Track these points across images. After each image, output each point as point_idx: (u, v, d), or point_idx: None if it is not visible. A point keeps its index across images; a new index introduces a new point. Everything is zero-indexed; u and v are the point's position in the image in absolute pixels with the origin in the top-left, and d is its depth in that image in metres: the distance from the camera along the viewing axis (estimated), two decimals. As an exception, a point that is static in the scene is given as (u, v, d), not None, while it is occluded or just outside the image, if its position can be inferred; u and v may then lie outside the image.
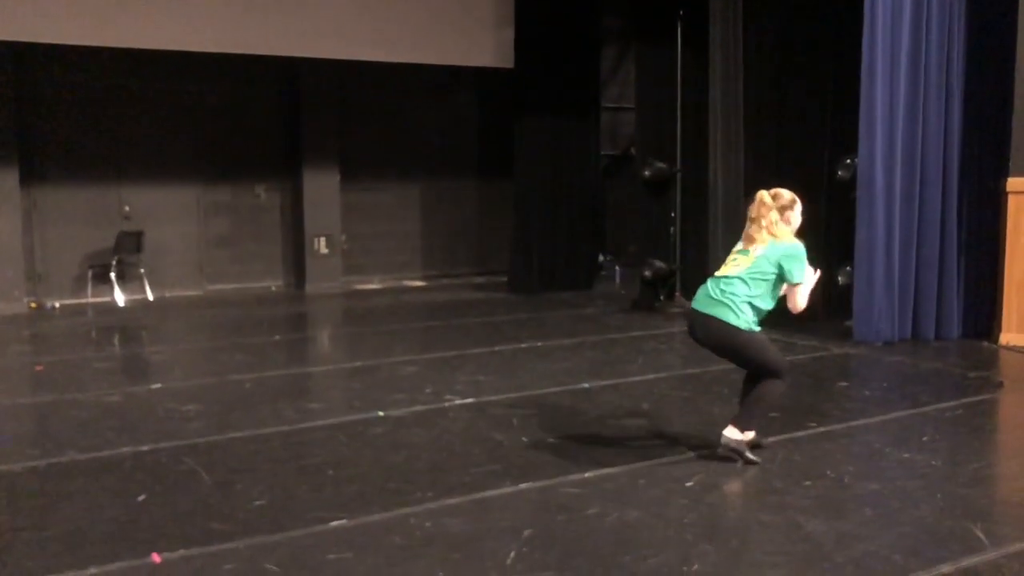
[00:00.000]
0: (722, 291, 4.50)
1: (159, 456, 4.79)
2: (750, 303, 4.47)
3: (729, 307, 4.46)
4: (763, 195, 4.60)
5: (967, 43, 7.71)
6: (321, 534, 3.77)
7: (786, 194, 4.61)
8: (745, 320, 4.47)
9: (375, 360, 7.29)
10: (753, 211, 4.59)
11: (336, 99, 11.76)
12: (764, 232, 4.52)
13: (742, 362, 4.67)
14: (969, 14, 7.69)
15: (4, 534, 3.79)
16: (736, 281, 4.49)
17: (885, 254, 7.57)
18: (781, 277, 4.50)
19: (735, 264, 4.56)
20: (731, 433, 4.54)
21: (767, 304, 4.54)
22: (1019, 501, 4.16)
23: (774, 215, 4.53)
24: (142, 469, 4.60)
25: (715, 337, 4.54)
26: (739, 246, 4.66)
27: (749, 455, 4.53)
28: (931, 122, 7.65)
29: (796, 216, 4.61)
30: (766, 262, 4.48)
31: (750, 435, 4.62)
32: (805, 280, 4.51)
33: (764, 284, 4.49)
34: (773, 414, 5.47)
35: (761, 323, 4.58)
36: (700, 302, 4.59)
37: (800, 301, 4.53)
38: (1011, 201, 7.41)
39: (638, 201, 10.52)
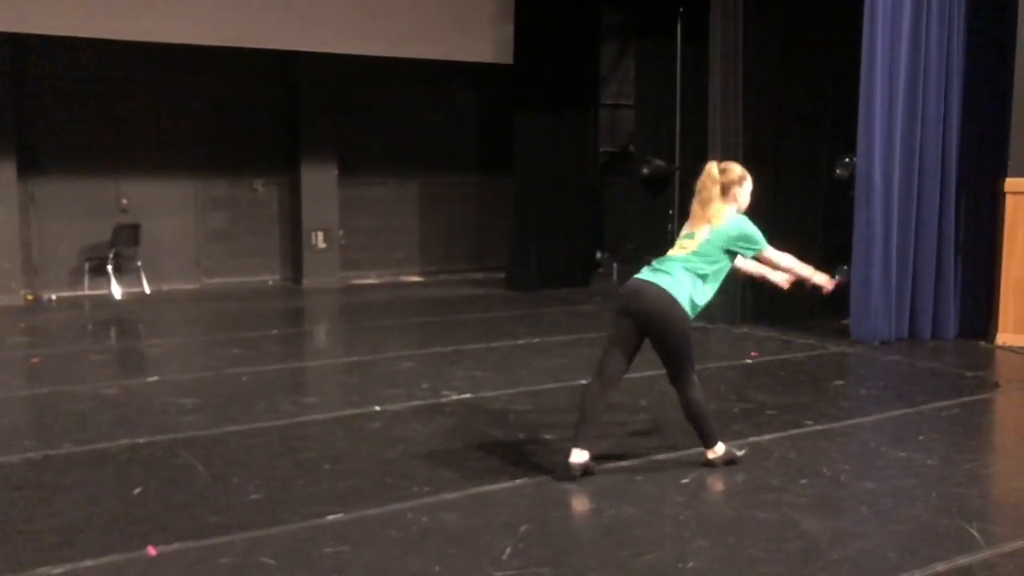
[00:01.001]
0: (666, 267, 4.32)
1: (155, 449, 4.79)
2: (692, 283, 4.26)
3: (671, 276, 4.26)
4: (710, 168, 4.42)
5: (966, 43, 7.72)
6: (317, 528, 3.77)
7: (735, 169, 4.43)
8: (686, 294, 4.24)
9: (372, 355, 7.29)
10: (698, 184, 4.41)
11: (334, 93, 11.74)
12: (707, 210, 4.34)
13: (665, 345, 4.29)
14: (968, 14, 7.69)
15: (-1, 526, 3.79)
16: (678, 262, 4.31)
17: (883, 253, 7.58)
18: (733, 254, 4.37)
19: (680, 248, 4.39)
20: (711, 455, 4.46)
21: (710, 287, 4.33)
22: (1014, 501, 4.17)
23: (716, 191, 4.34)
24: (138, 462, 4.60)
25: (649, 306, 4.22)
26: (686, 228, 4.47)
27: (735, 452, 4.51)
28: (929, 121, 7.66)
29: (744, 194, 4.41)
30: (711, 247, 4.31)
31: (721, 447, 4.47)
32: (765, 246, 4.36)
33: (709, 266, 4.30)
34: (770, 412, 5.50)
35: (696, 316, 4.36)
36: (640, 274, 4.38)
37: (779, 260, 4.44)
38: (1008, 201, 7.42)
39: (636, 198, 10.53)
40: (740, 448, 4.58)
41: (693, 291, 4.28)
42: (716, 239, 4.32)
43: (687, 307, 4.27)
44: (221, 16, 9.76)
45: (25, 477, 4.43)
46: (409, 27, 10.69)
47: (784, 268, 4.53)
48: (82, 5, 9.20)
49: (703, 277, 4.31)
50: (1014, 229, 7.41)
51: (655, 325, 4.26)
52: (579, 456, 4.30)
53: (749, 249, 4.39)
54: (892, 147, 7.54)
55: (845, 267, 8.07)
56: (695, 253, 4.32)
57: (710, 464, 4.46)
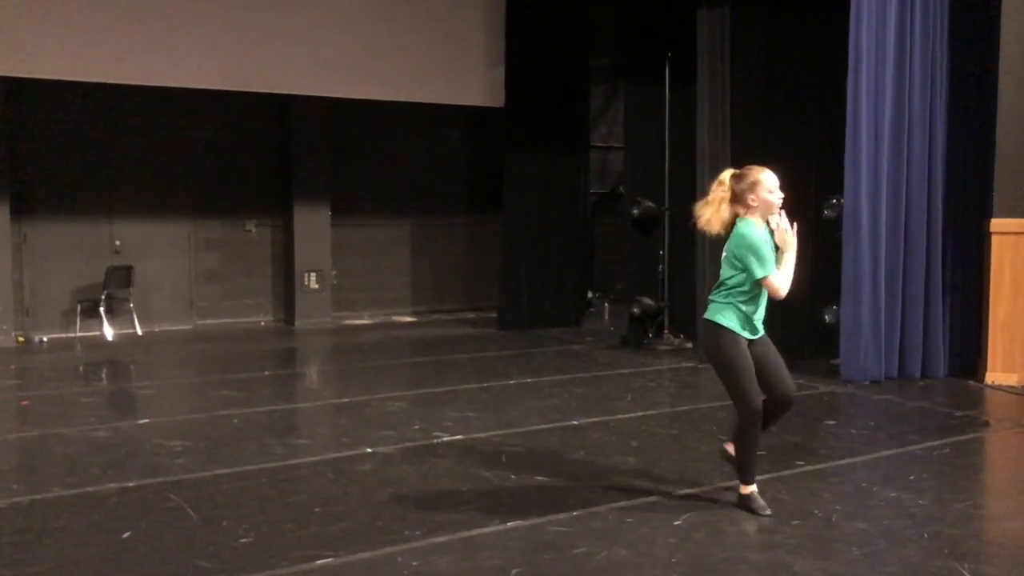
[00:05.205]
0: (714, 294, 4.40)
1: (145, 492, 4.77)
2: (732, 304, 4.29)
3: (717, 304, 4.34)
4: (723, 174, 4.39)
5: (950, 85, 7.87)
6: (307, 572, 3.74)
7: (750, 173, 4.33)
8: (727, 317, 4.29)
9: (364, 396, 7.28)
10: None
11: (327, 135, 11.85)
12: (704, 213, 4.32)
13: (720, 379, 4.41)
14: (952, 58, 7.84)
15: (-13, 571, 3.76)
16: (720, 286, 4.37)
17: (871, 293, 7.63)
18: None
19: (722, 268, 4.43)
20: (740, 490, 4.46)
21: (751, 307, 4.28)
22: (1006, 541, 4.17)
23: (719, 195, 4.32)
24: (128, 505, 4.57)
25: (704, 341, 4.49)
26: None
27: (761, 506, 4.38)
28: (916, 162, 7.77)
29: (762, 199, 4.27)
30: (732, 258, 4.29)
31: (751, 488, 4.44)
32: (770, 268, 4.20)
33: (742, 283, 4.26)
34: (760, 452, 5.49)
35: (752, 327, 4.32)
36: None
37: (776, 290, 4.21)
38: (994, 241, 7.51)
39: (626, 239, 10.59)
40: (765, 509, 4.37)
41: (734, 311, 4.28)
42: (730, 247, 4.31)
43: (731, 326, 4.27)
44: (215, 60, 9.87)
45: (13, 521, 4.39)
46: (402, 71, 10.82)
47: (774, 296, 4.30)
48: (77, 49, 9.29)
49: (740, 295, 4.27)
50: (1000, 268, 7.49)
51: (711, 362, 4.50)
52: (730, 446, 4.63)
53: (751, 269, 4.21)
54: (878, 188, 7.63)
55: (834, 307, 8.13)
56: (725, 270, 4.33)
57: (739, 501, 4.44)
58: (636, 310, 9.87)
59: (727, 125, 8.62)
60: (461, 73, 11.21)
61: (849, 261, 7.62)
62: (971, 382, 7.64)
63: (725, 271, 4.35)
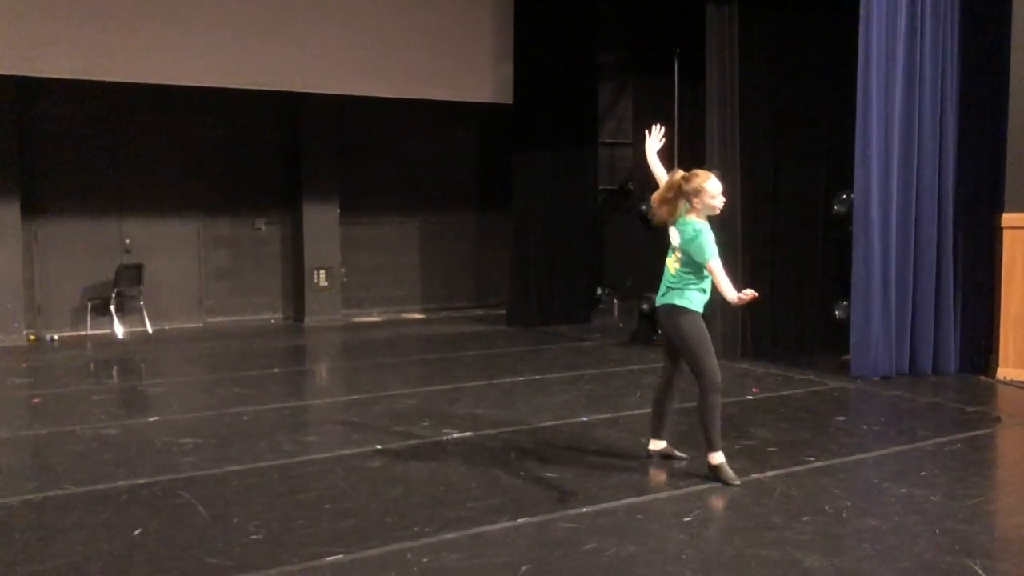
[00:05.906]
0: (672, 282, 4.89)
1: (156, 489, 4.79)
2: (690, 288, 4.83)
3: (677, 290, 4.85)
4: (674, 174, 4.86)
5: (961, 80, 7.82)
6: (317, 569, 3.75)
7: (696, 178, 4.78)
8: (689, 300, 4.82)
9: (373, 393, 7.29)
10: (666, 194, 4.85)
11: (336, 133, 11.86)
12: (662, 210, 4.83)
13: (684, 355, 4.87)
14: (963, 52, 7.80)
15: (-1, 568, 3.78)
16: (677, 276, 4.87)
17: (882, 289, 7.60)
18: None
19: (673, 261, 4.90)
20: (710, 459, 4.83)
21: (704, 286, 4.84)
22: (1018, 537, 4.15)
23: (673, 196, 4.80)
24: (138, 503, 4.59)
25: (667, 321, 4.90)
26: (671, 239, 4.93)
27: (731, 476, 4.74)
28: (926, 157, 7.73)
29: (707, 201, 4.76)
30: (685, 252, 4.78)
31: (720, 456, 4.81)
32: (716, 256, 4.67)
33: (694, 271, 4.82)
34: (771, 448, 5.49)
35: (705, 305, 4.88)
36: (658, 296, 5.00)
37: (715, 275, 4.69)
38: (1006, 236, 7.46)
39: (635, 235, 10.57)
40: (735, 480, 4.75)
41: (698, 293, 4.84)
42: (684, 248, 4.77)
43: (693, 306, 4.82)
44: (225, 58, 9.89)
45: (25, 518, 4.42)
46: (410, 68, 10.83)
47: (722, 293, 4.75)
48: (86, 48, 9.33)
49: (699, 279, 4.83)
50: (1012, 263, 7.44)
51: (675, 340, 4.91)
52: (656, 445, 5.24)
53: (699, 255, 4.71)
54: (889, 182, 7.60)
55: (845, 302, 8.10)
56: (684, 262, 4.83)
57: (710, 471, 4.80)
58: (645, 306, 9.84)
59: (736, 121, 8.60)
60: (469, 70, 11.21)
61: (860, 256, 7.59)
62: (983, 377, 7.60)
63: (681, 263, 4.84)
